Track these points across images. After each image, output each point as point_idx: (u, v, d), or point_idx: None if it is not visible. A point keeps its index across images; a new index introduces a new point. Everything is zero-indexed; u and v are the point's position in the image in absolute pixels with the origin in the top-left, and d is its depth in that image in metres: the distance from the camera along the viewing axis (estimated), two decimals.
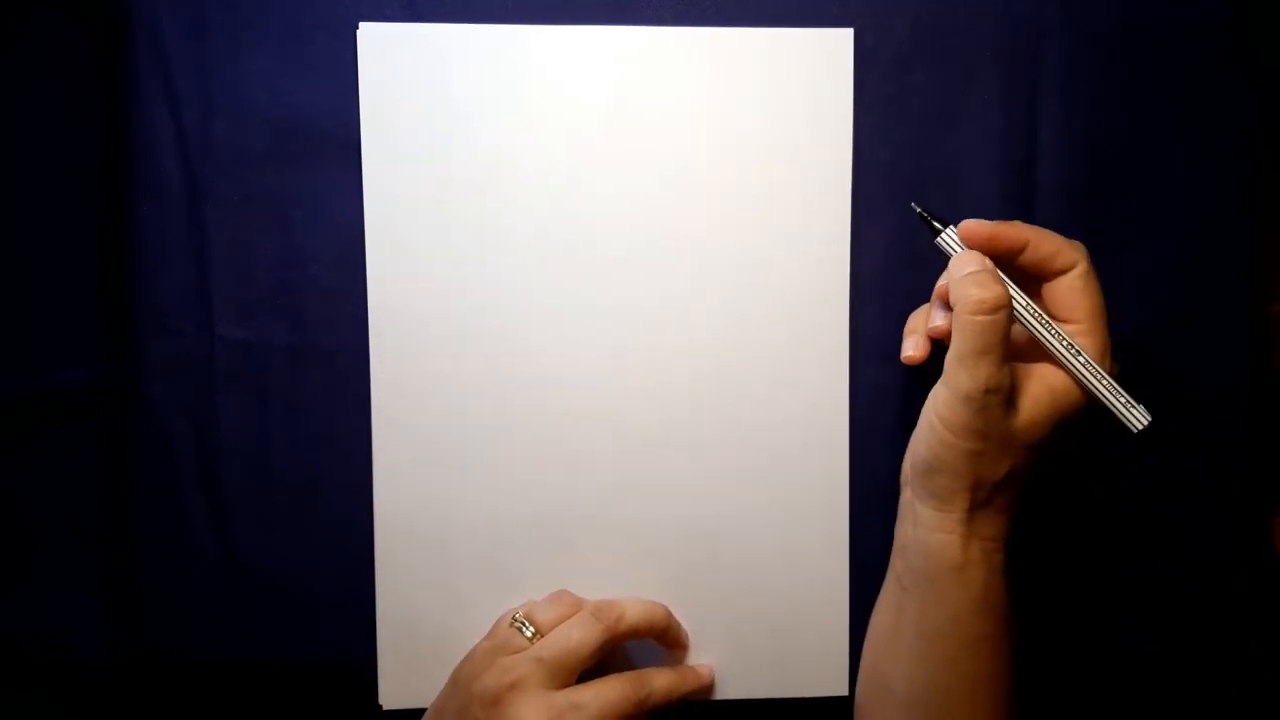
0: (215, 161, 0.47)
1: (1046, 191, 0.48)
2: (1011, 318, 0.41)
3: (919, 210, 0.44)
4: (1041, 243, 0.42)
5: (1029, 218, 0.48)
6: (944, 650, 0.42)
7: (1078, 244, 0.42)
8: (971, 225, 0.42)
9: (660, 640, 0.48)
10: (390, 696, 0.48)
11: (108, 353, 0.48)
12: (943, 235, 0.43)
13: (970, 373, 0.39)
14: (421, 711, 0.46)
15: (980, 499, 0.41)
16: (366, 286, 0.47)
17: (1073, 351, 0.41)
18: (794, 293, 0.48)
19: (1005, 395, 0.40)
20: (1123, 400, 0.41)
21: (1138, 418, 0.41)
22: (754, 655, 0.49)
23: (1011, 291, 0.42)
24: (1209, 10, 0.48)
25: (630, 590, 0.48)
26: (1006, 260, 0.42)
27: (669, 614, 0.48)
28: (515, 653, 0.44)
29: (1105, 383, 0.41)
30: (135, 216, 0.47)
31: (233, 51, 0.47)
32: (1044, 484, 0.49)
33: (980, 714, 0.42)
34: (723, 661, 0.49)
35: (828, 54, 0.47)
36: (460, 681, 0.44)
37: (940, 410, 0.41)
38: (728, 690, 0.49)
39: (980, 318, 0.39)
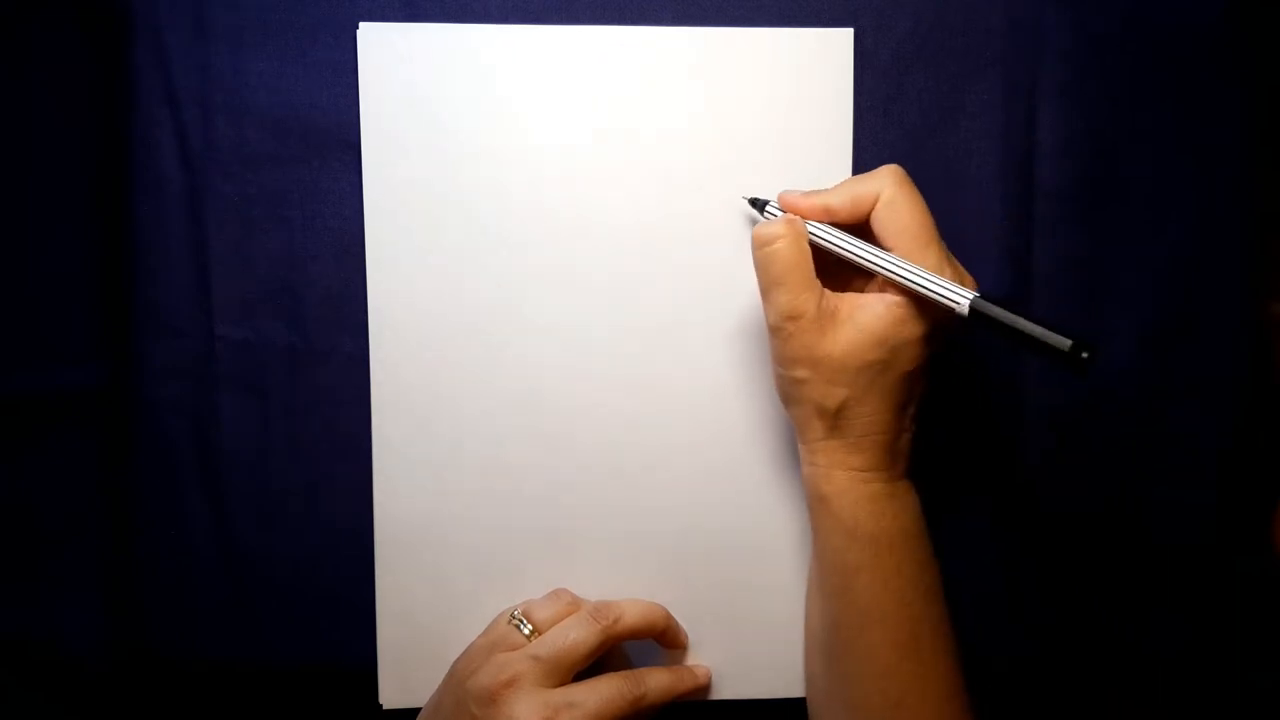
0: (215, 161, 0.47)
1: (1046, 191, 0.48)
2: (805, 248, 0.42)
3: (746, 199, 0.46)
4: (842, 193, 0.43)
5: (1029, 217, 0.48)
6: (830, 582, 0.44)
7: (883, 171, 0.42)
8: (786, 196, 0.44)
9: (659, 640, 0.48)
10: (390, 696, 0.48)
11: (108, 353, 0.48)
12: (767, 210, 0.45)
13: (769, 304, 0.42)
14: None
15: (828, 426, 0.42)
16: (366, 286, 0.47)
17: (877, 256, 0.41)
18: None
19: (811, 321, 0.41)
20: (941, 285, 0.40)
21: (959, 296, 0.39)
22: (751, 655, 0.49)
23: (821, 227, 0.43)
24: (1208, 10, 0.48)
25: (629, 590, 0.48)
26: (848, 225, 0.43)
27: (668, 615, 0.48)
28: (512, 649, 0.44)
29: (916, 273, 0.40)
30: (135, 216, 0.47)
31: (233, 51, 0.47)
32: (1050, 476, 0.49)
33: (872, 649, 0.42)
34: (720, 661, 0.49)
35: (828, 54, 0.47)
36: (457, 677, 0.44)
37: (769, 347, 0.43)
38: (725, 690, 0.49)
39: (758, 252, 0.42)
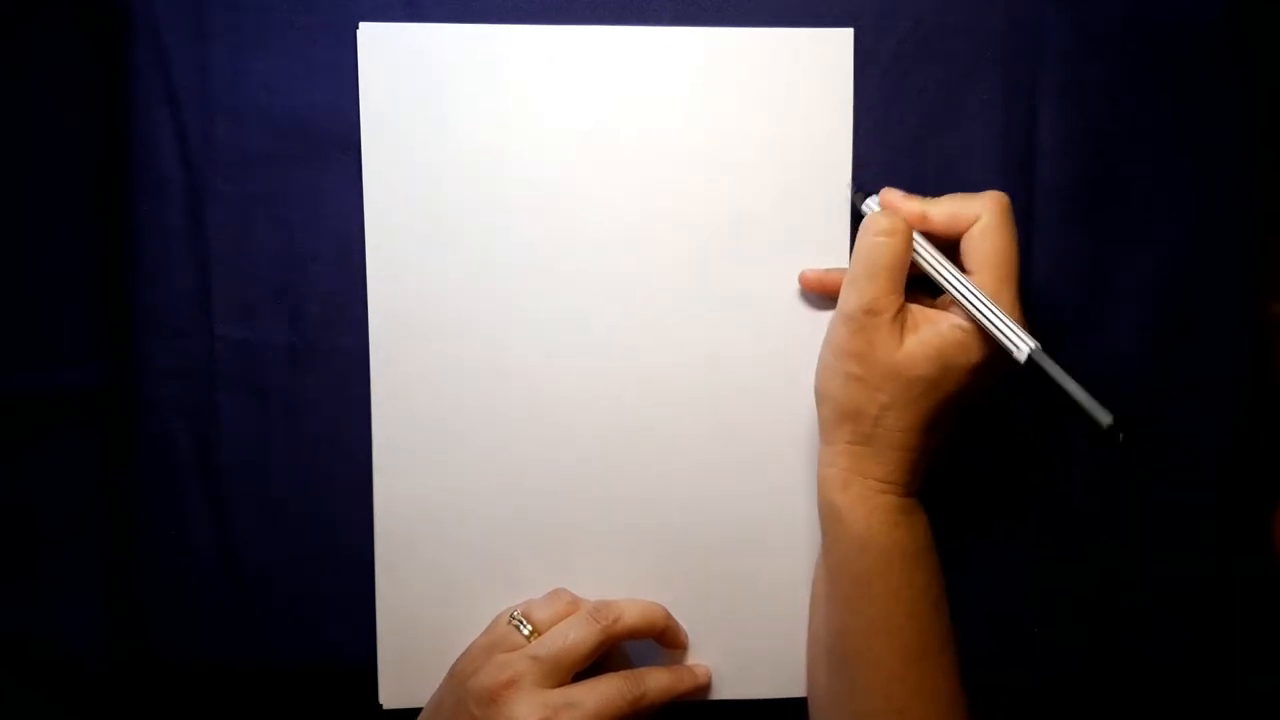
0: (215, 161, 0.47)
1: (1046, 191, 0.48)
2: (909, 252, 0.43)
3: (849, 185, 0.47)
4: (943, 207, 0.43)
5: (1029, 218, 0.48)
6: (840, 589, 0.44)
7: (989, 197, 0.43)
8: (889, 194, 0.45)
9: (659, 640, 0.48)
10: (390, 696, 0.48)
11: (108, 353, 0.48)
12: (866, 202, 0.46)
13: (854, 290, 0.42)
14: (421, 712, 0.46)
15: (862, 432, 0.42)
16: (366, 286, 0.47)
17: (958, 281, 0.42)
18: (794, 292, 0.48)
19: (887, 320, 0.42)
20: (1009, 328, 0.41)
21: (1023, 342, 0.40)
22: (751, 655, 0.49)
23: (916, 237, 0.43)
24: (1208, 10, 0.48)
25: (629, 590, 0.48)
26: (938, 238, 0.44)
27: (667, 615, 0.48)
28: (512, 650, 0.44)
29: (989, 307, 0.41)
30: (135, 216, 0.47)
31: (233, 51, 0.47)
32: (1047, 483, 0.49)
33: (880, 658, 0.42)
34: (720, 661, 0.49)
35: (828, 54, 0.47)
36: (457, 677, 0.44)
37: (828, 332, 0.44)
38: (725, 690, 0.49)
39: (871, 239, 0.42)
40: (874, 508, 0.43)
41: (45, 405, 0.47)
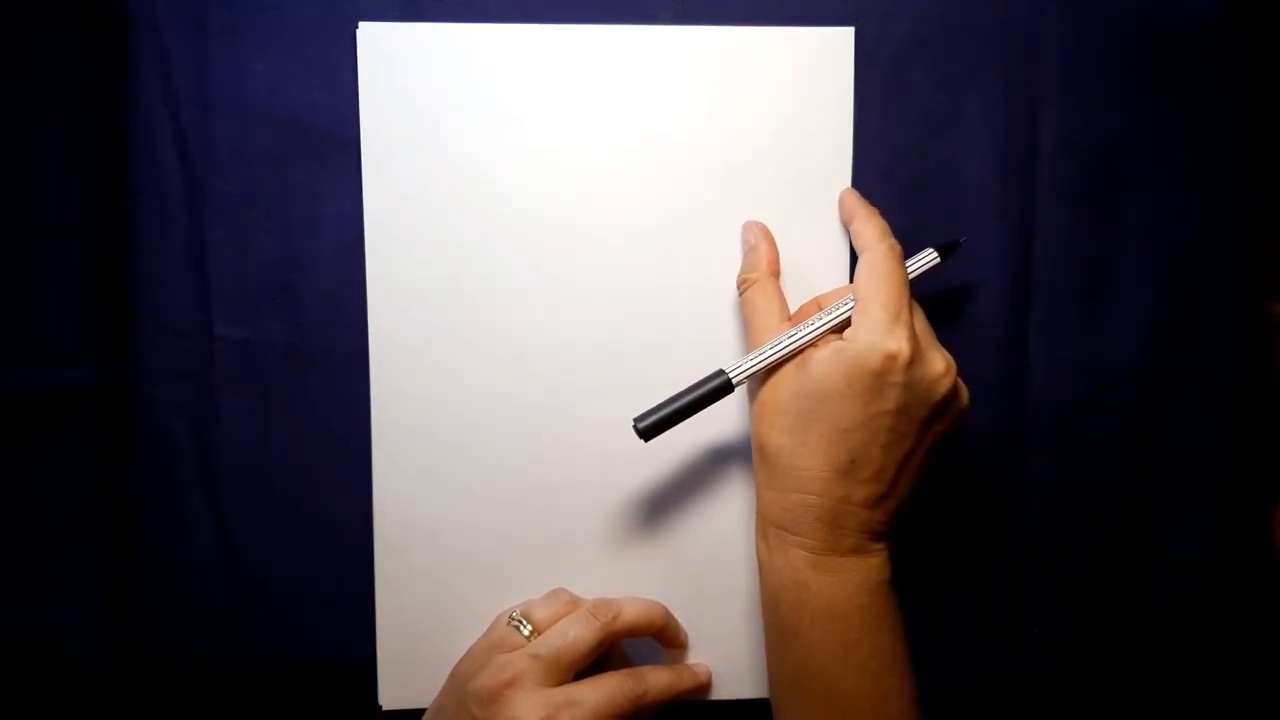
0: (215, 161, 0.47)
1: (1046, 191, 0.48)
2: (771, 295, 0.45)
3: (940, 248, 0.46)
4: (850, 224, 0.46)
5: (1029, 218, 0.48)
6: (769, 635, 0.43)
7: (873, 234, 0.43)
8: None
9: (659, 639, 0.48)
10: (390, 696, 0.48)
11: (108, 353, 0.48)
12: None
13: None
14: (421, 711, 0.46)
15: (765, 472, 0.42)
16: (366, 286, 0.47)
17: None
18: (794, 293, 0.48)
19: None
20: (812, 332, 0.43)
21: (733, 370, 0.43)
22: (751, 655, 0.49)
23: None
24: (1208, 10, 0.48)
25: (629, 590, 0.48)
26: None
27: (667, 613, 0.48)
28: (512, 650, 0.44)
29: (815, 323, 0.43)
30: (135, 216, 0.47)
31: (233, 51, 0.47)
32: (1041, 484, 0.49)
33: (801, 712, 0.42)
34: (720, 661, 0.49)
35: (828, 54, 0.47)
36: (458, 679, 0.44)
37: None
38: (725, 689, 0.49)
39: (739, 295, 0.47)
40: (786, 561, 0.41)
41: (45, 405, 0.47)
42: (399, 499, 0.48)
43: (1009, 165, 0.48)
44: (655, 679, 0.45)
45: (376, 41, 0.47)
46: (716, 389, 0.43)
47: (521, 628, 0.45)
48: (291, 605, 0.49)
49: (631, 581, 0.48)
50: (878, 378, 0.39)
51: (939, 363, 0.41)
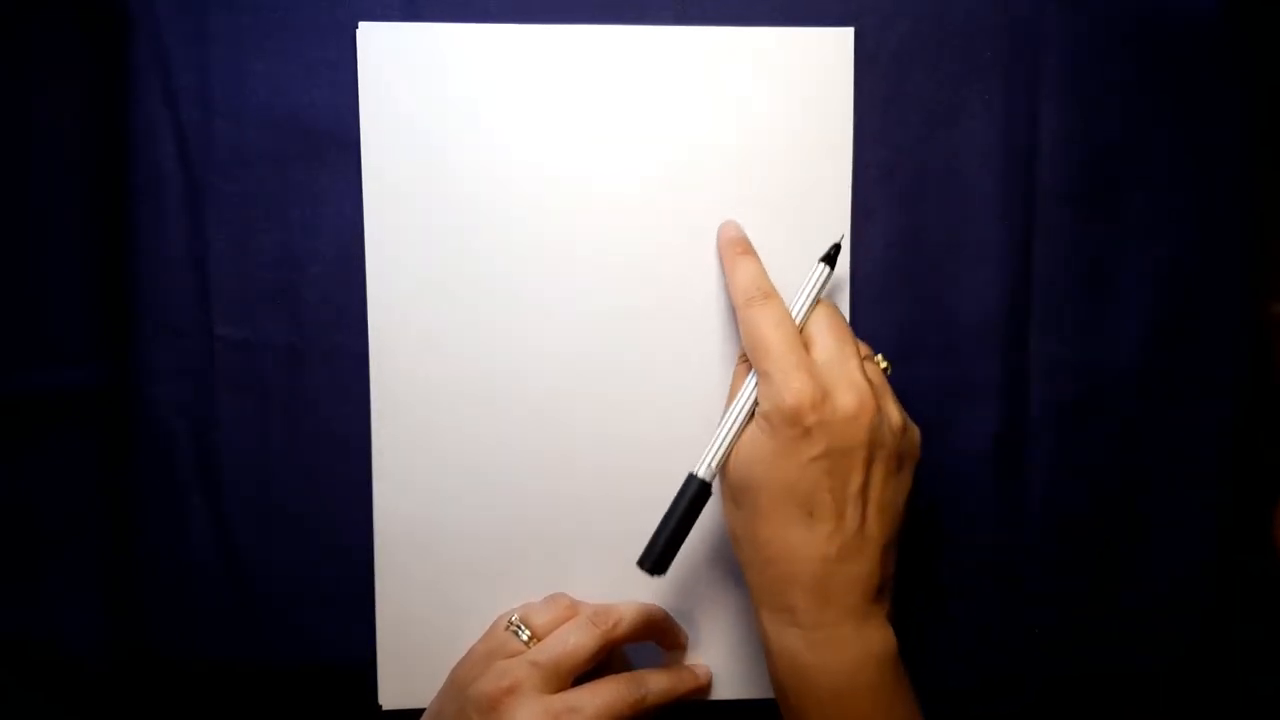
0: (215, 161, 0.47)
1: (1046, 191, 0.48)
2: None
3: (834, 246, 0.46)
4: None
5: (1029, 218, 0.48)
6: (781, 710, 0.43)
7: (736, 291, 0.44)
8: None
9: (659, 642, 0.48)
10: (390, 697, 0.48)
11: (107, 353, 0.48)
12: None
13: None
14: (421, 712, 0.46)
15: (742, 566, 0.43)
16: (366, 286, 0.47)
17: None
18: (794, 293, 0.48)
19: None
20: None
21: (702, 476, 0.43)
22: (751, 655, 0.49)
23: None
24: (1208, 10, 0.48)
25: (629, 591, 0.48)
26: None
27: (666, 615, 0.48)
28: (511, 656, 0.44)
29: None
30: (135, 216, 0.47)
31: (233, 51, 0.47)
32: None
33: None
34: (720, 661, 0.49)
35: (828, 54, 0.47)
36: (457, 684, 0.44)
37: None
38: (725, 689, 0.49)
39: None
40: (783, 645, 0.41)
41: (45, 405, 0.47)
42: (399, 499, 0.48)
43: (1009, 165, 0.48)
44: (655, 682, 0.45)
45: (376, 41, 0.47)
46: (697, 495, 0.43)
47: (520, 633, 0.45)
48: (291, 605, 0.49)
49: (632, 582, 0.48)
50: (794, 427, 0.40)
51: (848, 401, 0.40)
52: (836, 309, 0.45)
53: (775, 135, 0.48)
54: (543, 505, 0.48)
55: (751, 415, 0.42)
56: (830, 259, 0.45)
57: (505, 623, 0.46)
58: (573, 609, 0.46)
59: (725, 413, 0.43)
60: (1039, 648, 0.49)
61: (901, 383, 0.48)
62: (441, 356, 0.48)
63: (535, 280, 0.48)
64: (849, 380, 0.40)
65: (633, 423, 0.48)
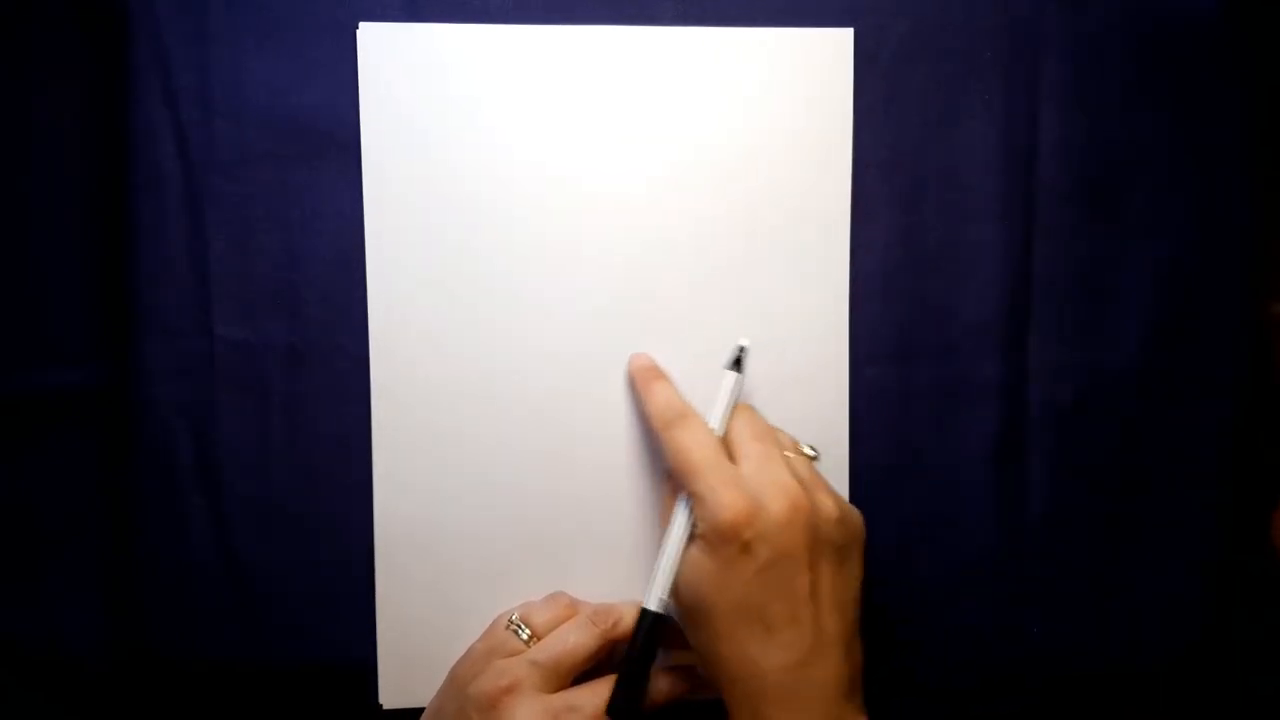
0: (215, 161, 0.47)
1: (1046, 191, 0.48)
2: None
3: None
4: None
5: (1029, 218, 0.48)
6: None
7: (652, 420, 0.45)
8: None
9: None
10: (390, 696, 0.48)
11: (107, 353, 0.48)
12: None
13: None
14: (421, 711, 0.46)
15: (720, 691, 0.43)
16: (366, 286, 0.47)
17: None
18: (794, 292, 0.48)
19: None
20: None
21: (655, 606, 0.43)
22: None
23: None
24: (1208, 10, 0.48)
25: (629, 591, 0.48)
26: None
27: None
28: (511, 655, 0.44)
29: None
30: (135, 216, 0.47)
31: (233, 51, 0.47)
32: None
33: None
34: None
35: (828, 54, 0.47)
36: (457, 683, 0.44)
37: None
38: None
39: None
40: None
41: (45, 405, 0.47)
42: (399, 499, 0.48)
43: (1009, 165, 0.48)
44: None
45: (376, 41, 0.47)
46: (652, 628, 0.43)
47: (520, 632, 0.45)
48: (291, 605, 0.49)
49: (632, 582, 0.48)
50: (733, 544, 0.40)
51: (780, 508, 0.40)
52: (753, 412, 0.45)
53: (775, 135, 0.48)
54: (543, 505, 0.48)
55: (691, 536, 0.42)
56: (738, 364, 0.45)
57: (505, 621, 0.46)
58: (572, 608, 0.46)
59: (664, 540, 0.43)
60: (1039, 648, 0.49)
61: (901, 383, 0.48)
62: (441, 356, 0.48)
63: (535, 280, 0.48)
64: (778, 485, 0.40)
65: (633, 422, 0.48)
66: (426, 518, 0.48)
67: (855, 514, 0.43)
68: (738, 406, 0.45)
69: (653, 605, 0.43)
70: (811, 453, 0.45)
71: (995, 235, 0.48)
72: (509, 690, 0.42)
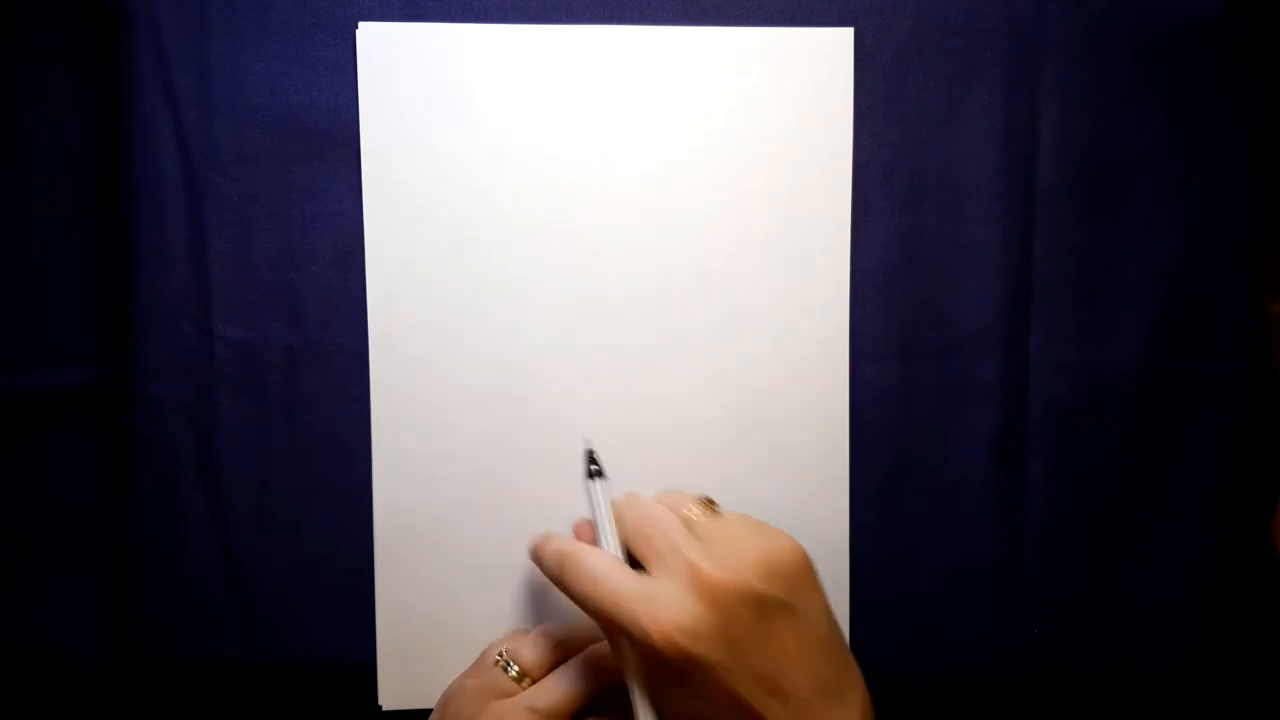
0: (215, 161, 0.47)
1: (1046, 192, 0.48)
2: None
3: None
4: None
5: (1029, 218, 0.48)
6: None
7: (546, 570, 0.42)
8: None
9: None
10: (390, 697, 0.48)
11: (107, 352, 0.48)
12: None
13: None
14: (421, 712, 0.46)
15: None
16: (366, 286, 0.47)
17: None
18: (794, 292, 0.48)
19: None
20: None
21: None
22: None
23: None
24: (1209, 10, 0.48)
25: None
26: None
27: None
28: (505, 696, 0.43)
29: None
30: (135, 216, 0.47)
31: (233, 51, 0.47)
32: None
33: None
34: None
35: (828, 54, 0.47)
36: None
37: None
38: None
39: None
40: None
41: (45, 405, 0.47)
42: (399, 499, 0.48)
43: (1009, 165, 0.48)
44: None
45: (376, 41, 0.47)
46: None
47: (509, 669, 0.44)
48: (291, 605, 0.49)
49: None
50: (682, 665, 0.37)
51: (700, 611, 0.37)
52: (635, 501, 0.43)
53: (775, 135, 0.48)
54: (543, 504, 0.48)
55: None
56: (596, 470, 0.44)
57: (494, 656, 0.45)
58: (562, 646, 0.45)
59: (630, 691, 0.39)
60: (1040, 649, 0.49)
61: (902, 382, 0.48)
62: (441, 356, 0.48)
63: (535, 280, 0.48)
64: (697, 577, 0.37)
65: (633, 421, 0.48)
66: (426, 518, 0.48)
67: (784, 551, 0.39)
68: (622, 501, 0.43)
69: None
70: (710, 505, 0.42)
71: (995, 235, 0.48)
72: None
